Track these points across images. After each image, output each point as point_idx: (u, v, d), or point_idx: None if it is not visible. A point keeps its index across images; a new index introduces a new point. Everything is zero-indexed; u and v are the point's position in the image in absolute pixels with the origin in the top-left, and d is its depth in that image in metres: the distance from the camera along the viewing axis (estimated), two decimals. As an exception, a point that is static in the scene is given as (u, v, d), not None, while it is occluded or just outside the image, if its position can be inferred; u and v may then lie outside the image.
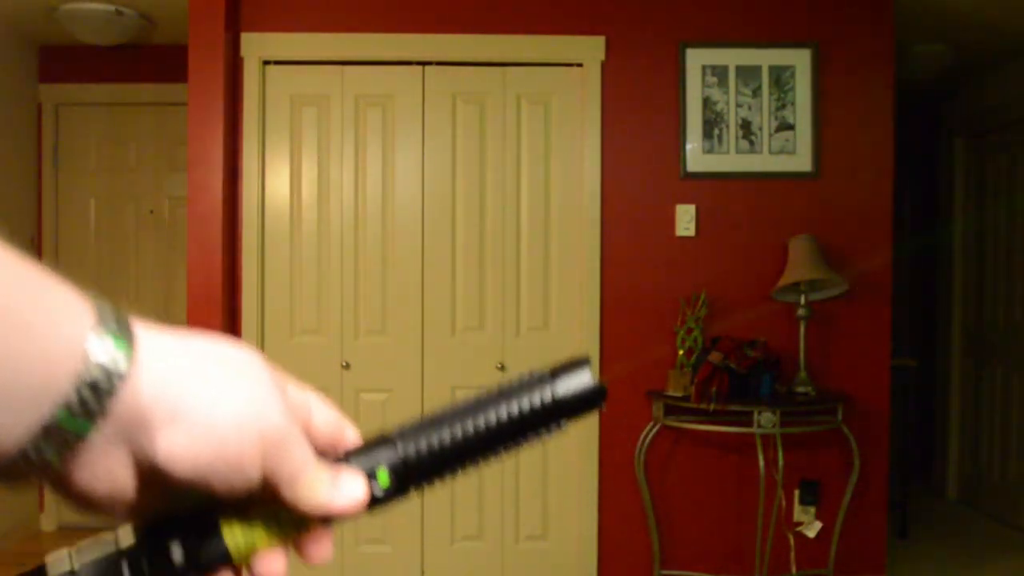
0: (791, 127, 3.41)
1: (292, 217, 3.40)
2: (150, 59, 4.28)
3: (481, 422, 0.43)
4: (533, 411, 0.43)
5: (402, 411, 3.42)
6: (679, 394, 3.20)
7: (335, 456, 0.43)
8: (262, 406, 0.38)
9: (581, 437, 3.40)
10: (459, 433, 0.43)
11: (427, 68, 3.42)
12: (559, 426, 0.44)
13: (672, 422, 3.23)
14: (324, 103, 3.41)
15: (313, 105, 3.41)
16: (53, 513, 4.37)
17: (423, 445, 0.43)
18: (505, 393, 0.44)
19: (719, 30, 3.42)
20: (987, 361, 4.74)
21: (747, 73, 3.41)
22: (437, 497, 3.43)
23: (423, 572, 3.44)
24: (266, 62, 3.39)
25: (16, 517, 4.17)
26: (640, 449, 3.34)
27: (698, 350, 3.25)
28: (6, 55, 4.08)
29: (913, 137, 5.22)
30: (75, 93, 4.33)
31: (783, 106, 3.41)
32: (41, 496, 4.35)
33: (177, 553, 0.39)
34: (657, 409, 3.29)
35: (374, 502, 0.43)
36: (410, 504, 3.42)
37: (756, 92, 3.41)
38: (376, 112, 3.42)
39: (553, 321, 3.43)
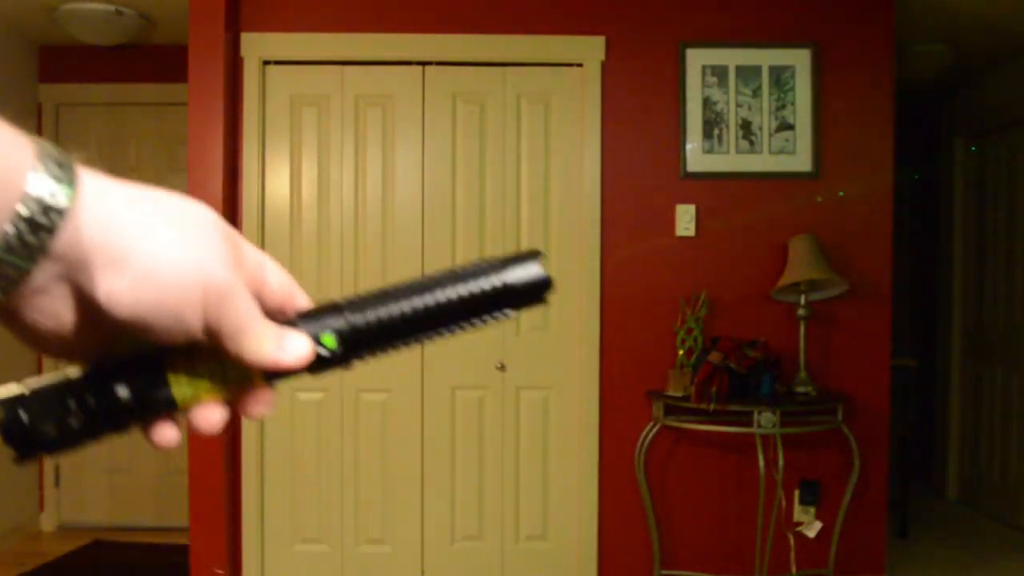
0: (791, 127, 3.41)
1: (292, 217, 3.40)
2: (150, 59, 4.28)
3: (430, 299, 0.45)
4: (482, 294, 0.45)
5: (402, 411, 3.42)
6: (679, 394, 3.20)
7: (285, 318, 0.44)
8: (206, 258, 0.39)
9: (581, 437, 3.41)
10: (407, 307, 0.44)
11: (427, 68, 3.42)
12: (505, 313, 0.46)
13: (672, 422, 3.23)
14: (324, 103, 3.41)
15: (313, 105, 3.41)
16: (53, 513, 4.37)
17: (371, 315, 0.44)
18: (457, 275, 0.45)
19: (719, 30, 3.42)
20: (987, 361, 4.74)
21: (747, 73, 3.41)
22: (437, 497, 3.44)
23: (423, 572, 3.44)
24: (266, 62, 3.39)
25: (16, 517, 4.17)
26: (640, 449, 3.34)
27: (698, 350, 3.25)
28: (6, 55, 4.08)
29: (913, 137, 5.23)
30: (75, 93, 4.33)
31: (783, 106, 3.41)
32: (41, 496, 4.35)
33: (123, 391, 0.41)
34: (657, 409, 3.29)
35: (318, 364, 0.44)
36: (410, 504, 3.42)
37: (756, 92, 3.41)
38: (376, 112, 3.42)
39: (553, 321, 3.43)
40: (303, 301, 0.46)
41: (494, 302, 0.45)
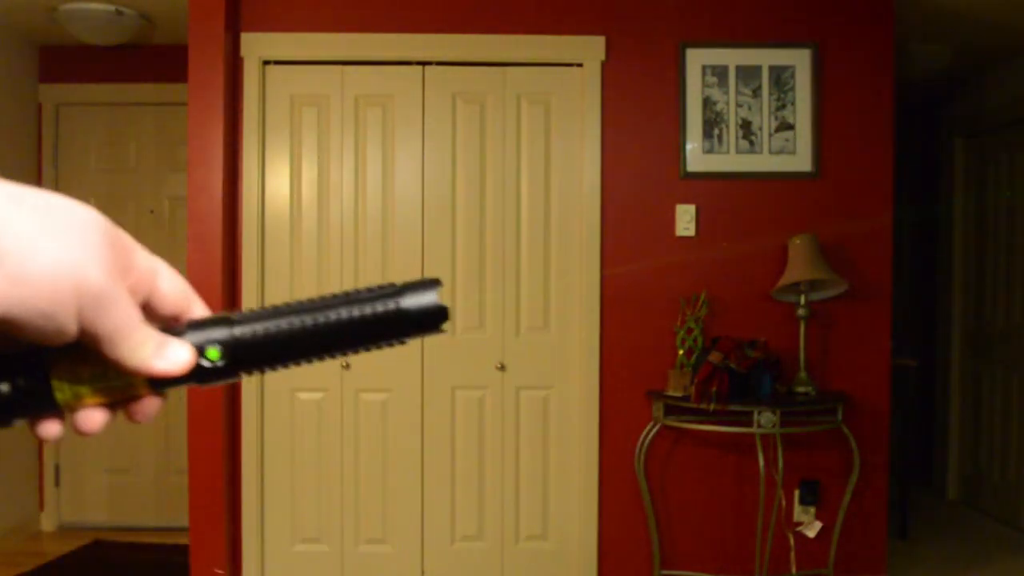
0: (791, 127, 3.41)
1: (292, 217, 3.40)
2: (150, 59, 4.28)
3: (321, 318, 0.44)
4: (374, 318, 0.45)
5: (402, 411, 3.42)
6: (679, 394, 3.20)
7: (174, 326, 0.45)
8: (83, 261, 0.39)
9: (581, 437, 3.41)
10: (298, 325, 0.44)
11: (427, 68, 3.42)
12: (399, 340, 0.46)
13: (672, 422, 3.23)
14: (324, 103, 3.41)
15: (313, 105, 3.41)
16: (53, 513, 4.37)
17: (260, 329, 0.44)
18: (353, 297, 0.45)
19: (719, 30, 3.42)
20: (987, 361, 4.74)
21: (747, 73, 3.41)
22: (437, 497, 3.44)
23: (423, 572, 3.44)
24: (266, 62, 3.39)
25: (16, 517, 4.17)
26: (640, 449, 3.34)
27: (698, 350, 3.25)
28: (6, 55, 4.08)
29: (913, 137, 5.23)
30: (75, 93, 4.33)
31: (783, 106, 3.41)
32: (41, 496, 4.35)
33: (3, 387, 0.41)
34: (657, 409, 3.29)
35: (203, 375, 0.44)
36: (410, 504, 3.42)
37: (756, 92, 3.41)
38: (376, 112, 3.42)
39: (553, 321, 3.43)
40: (200, 310, 0.46)
41: (387, 327, 0.45)
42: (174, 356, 0.43)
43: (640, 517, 3.41)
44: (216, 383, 0.45)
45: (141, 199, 4.40)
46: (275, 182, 3.40)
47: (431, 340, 3.41)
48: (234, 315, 0.45)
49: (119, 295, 0.40)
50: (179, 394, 4.23)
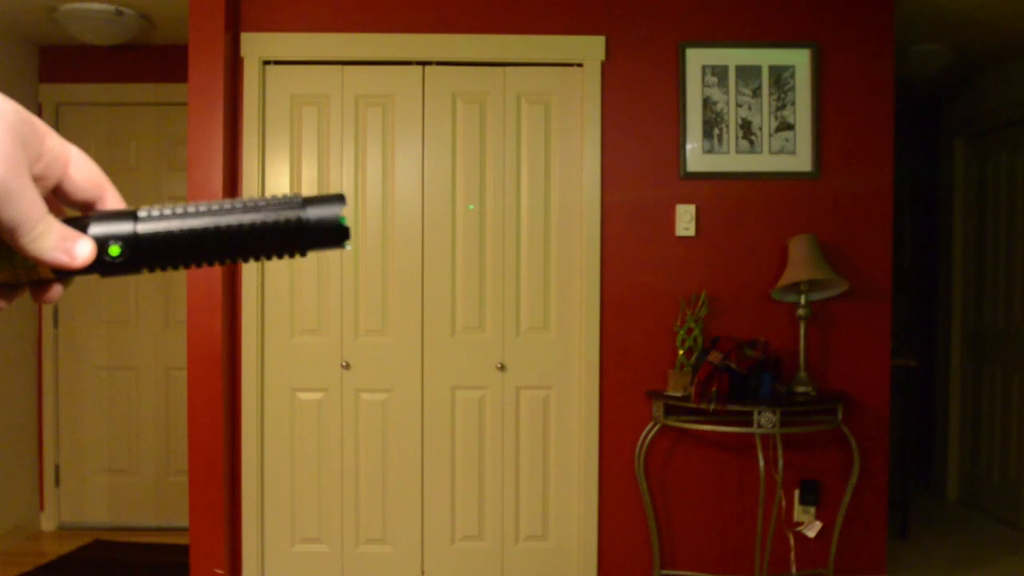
0: (791, 127, 3.41)
1: (292, 217, 3.40)
2: (150, 59, 4.28)
3: (224, 223, 0.45)
4: (277, 227, 0.45)
5: (402, 411, 3.42)
6: (679, 394, 3.20)
7: (82, 216, 0.45)
8: None
9: (581, 437, 3.41)
10: (199, 227, 0.45)
11: (427, 68, 3.42)
12: (300, 251, 0.46)
13: (672, 422, 3.23)
14: (324, 103, 3.41)
15: (313, 105, 3.41)
16: (53, 513, 4.37)
17: (162, 228, 0.45)
18: (258, 205, 0.45)
19: (719, 30, 3.42)
20: (987, 361, 4.74)
21: (747, 73, 3.41)
22: (437, 497, 3.44)
23: (423, 572, 3.44)
24: (266, 62, 3.39)
25: (16, 517, 4.17)
26: (640, 449, 3.34)
27: (698, 350, 3.25)
28: (6, 55, 4.08)
29: (913, 137, 5.23)
30: (75, 93, 4.33)
31: (783, 106, 3.41)
32: (41, 496, 4.35)
33: None
34: (657, 409, 3.29)
35: (103, 267, 0.45)
36: (410, 504, 3.42)
37: (756, 92, 3.41)
38: (376, 112, 3.42)
39: (553, 321, 3.43)
40: (113, 199, 0.48)
41: (289, 237, 0.45)
42: (75, 250, 0.44)
43: (640, 517, 3.41)
44: (117, 275, 0.46)
45: (141, 199, 4.40)
46: (275, 182, 3.40)
47: (430, 340, 3.41)
48: (140, 211, 0.45)
49: (22, 187, 0.41)
50: (180, 394, 4.24)
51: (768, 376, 3.15)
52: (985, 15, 3.82)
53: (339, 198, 0.46)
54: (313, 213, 0.45)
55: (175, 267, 0.46)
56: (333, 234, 0.46)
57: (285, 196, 0.46)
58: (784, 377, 3.32)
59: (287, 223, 0.45)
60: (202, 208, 0.45)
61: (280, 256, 0.46)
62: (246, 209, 0.45)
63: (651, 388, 3.37)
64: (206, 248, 0.45)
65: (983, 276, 4.81)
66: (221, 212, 0.45)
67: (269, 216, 0.45)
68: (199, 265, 0.46)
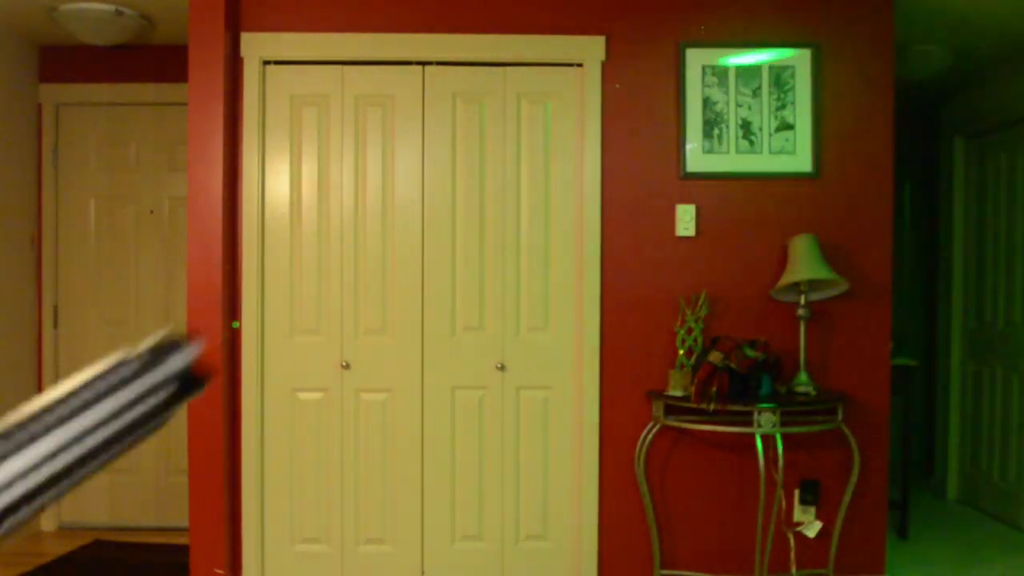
0: (791, 127, 3.41)
1: (292, 217, 3.40)
2: (150, 59, 4.28)
3: (86, 446, 0.39)
4: (152, 411, 0.41)
5: (402, 411, 3.42)
6: (679, 394, 3.20)
7: None
8: None
9: (581, 437, 3.40)
10: (58, 465, 0.40)
11: (427, 68, 3.42)
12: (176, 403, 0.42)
13: (672, 422, 3.23)
14: (324, 103, 3.41)
15: (313, 105, 3.41)
16: (53, 513, 4.37)
17: (17, 493, 0.40)
18: (102, 396, 0.40)
19: (719, 30, 3.42)
20: (987, 361, 4.74)
21: (747, 73, 3.41)
22: (437, 497, 3.43)
23: (423, 572, 3.44)
24: (266, 62, 3.39)
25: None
26: (640, 449, 3.34)
27: (698, 350, 3.25)
28: (6, 55, 4.08)
29: (913, 137, 5.23)
30: (75, 93, 4.33)
31: (783, 106, 3.41)
32: (41, 496, 4.35)
33: None
34: (657, 409, 3.29)
35: None
36: (410, 504, 3.42)
37: (756, 92, 3.41)
38: (376, 112, 3.42)
39: (553, 321, 3.43)
40: None
41: (161, 409, 0.41)
42: None
43: (640, 517, 3.41)
44: None
45: (141, 199, 4.40)
46: (275, 182, 3.40)
47: (430, 340, 3.41)
48: None
49: None
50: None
51: (768, 376, 3.15)
52: (984, 16, 3.82)
53: (177, 343, 0.39)
54: (173, 373, 0.40)
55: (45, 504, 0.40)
56: (196, 384, 0.41)
57: (116, 368, 0.39)
58: (784, 377, 3.32)
59: (159, 405, 0.40)
60: (37, 428, 0.38)
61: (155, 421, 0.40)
62: (101, 413, 0.38)
63: (651, 388, 3.37)
64: (65, 481, 0.39)
65: (983, 276, 4.81)
66: (71, 427, 0.38)
67: (135, 408, 0.40)
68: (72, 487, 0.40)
